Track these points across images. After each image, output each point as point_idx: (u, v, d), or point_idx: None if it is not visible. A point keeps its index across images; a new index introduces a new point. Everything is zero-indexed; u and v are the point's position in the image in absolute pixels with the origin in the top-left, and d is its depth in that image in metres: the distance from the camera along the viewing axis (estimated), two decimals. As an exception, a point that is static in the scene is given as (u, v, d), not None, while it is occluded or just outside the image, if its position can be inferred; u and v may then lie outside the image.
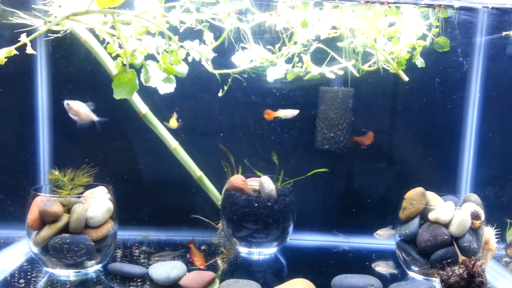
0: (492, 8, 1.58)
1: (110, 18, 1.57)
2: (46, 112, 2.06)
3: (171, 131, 1.97)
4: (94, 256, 1.64)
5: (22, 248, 1.88)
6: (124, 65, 1.52)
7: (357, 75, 1.80)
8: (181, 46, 1.66)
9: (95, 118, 1.72)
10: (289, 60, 1.78)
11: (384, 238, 1.93)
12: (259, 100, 2.09)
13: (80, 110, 1.68)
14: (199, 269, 1.71)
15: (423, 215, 1.73)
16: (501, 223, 1.90)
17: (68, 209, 1.63)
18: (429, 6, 1.59)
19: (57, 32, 1.70)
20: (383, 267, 1.80)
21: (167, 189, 2.12)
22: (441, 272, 1.54)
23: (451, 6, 1.54)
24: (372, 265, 1.82)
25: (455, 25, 1.76)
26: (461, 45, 2.01)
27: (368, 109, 2.10)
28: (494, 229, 1.77)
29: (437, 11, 1.62)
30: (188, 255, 1.83)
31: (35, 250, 1.63)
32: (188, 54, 1.71)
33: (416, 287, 1.58)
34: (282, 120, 2.12)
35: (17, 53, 1.51)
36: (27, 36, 1.50)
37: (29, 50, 1.55)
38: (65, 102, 1.69)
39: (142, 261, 1.81)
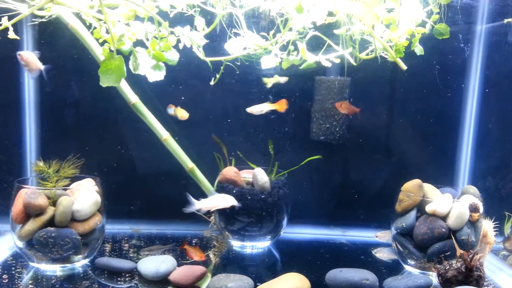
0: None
1: (97, 2, 1.51)
2: (32, 100, 2.00)
3: (162, 121, 1.91)
4: (81, 250, 1.59)
5: (6, 243, 1.83)
6: (111, 51, 1.45)
7: (354, 63, 1.75)
8: (172, 32, 1.60)
9: (41, 66, 1.69)
10: (284, 48, 1.73)
11: (383, 241, 1.91)
12: (253, 89, 2.04)
13: (29, 59, 1.67)
14: (192, 263, 1.67)
15: (420, 207, 1.70)
16: (499, 216, 1.87)
17: (53, 201, 1.58)
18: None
19: (43, 17, 1.63)
20: (383, 254, 1.78)
21: (157, 181, 2.07)
22: (438, 266, 1.52)
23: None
24: (373, 252, 1.79)
25: (458, 10, 1.71)
26: (462, 31, 1.97)
27: (365, 99, 2.05)
28: (493, 222, 1.74)
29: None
30: (178, 250, 1.80)
31: (20, 244, 1.58)
32: (179, 41, 1.65)
33: (412, 281, 1.55)
34: (277, 111, 2.07)
35: (-1, 37, 1.44)
36: (9, 20, 1.43)
37: (11, 35, 1.48)
38: (18, 52, 1.68)
39: (131, 255, 1.76)
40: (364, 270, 1.58)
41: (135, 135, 2.01)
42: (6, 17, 1.43)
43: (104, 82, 1.43)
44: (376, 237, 1.92)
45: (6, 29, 1.44)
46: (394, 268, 1.75)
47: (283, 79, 1.80)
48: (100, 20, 1.58)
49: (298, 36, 1.68)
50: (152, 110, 1.89)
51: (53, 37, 1.90)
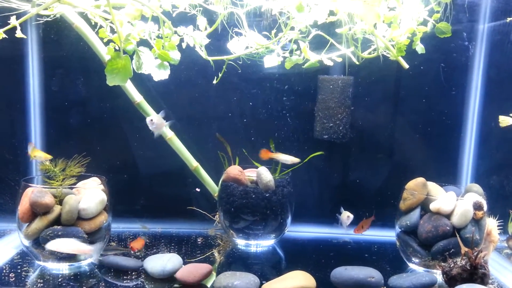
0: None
1: (103, 1, 1.52)
2: (37, 99, 2.01)
3: (166, 120, 1.92)
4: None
5: (12, 241, 1.84)
6: (117, 50, 1.47)
7: (357, 62, 1.76)
8: (175, 32, 1.61)
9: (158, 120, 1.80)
10: (287, 47, 1.74)
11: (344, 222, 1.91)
12: (257, 88, 2.05)
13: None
14: (198, 261, 1.67)
15: (424, 205, 1.70)
16: (503, 214, 1.87)
17: (60, 200, 1.59)
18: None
19: (47, 16, 1.64)
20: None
21: (162, 180, 2.08)
22: (443, 263, 1.52)
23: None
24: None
25: (465, 8, 1.70)
26: (465, 29, 1.97)
27: (368, 98, 2.06)
28: (497, 220, 1.74)
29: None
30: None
31: (26, 243, 1.59)
32: (182, 40, 1.66)
33: (417, 279, 1.55)
34: (281, 110, 2.08)
35: (6, 36, 1.46)
36: (16, 19, 1.45)
37: (18, 34, 1.50)
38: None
39: (137, 253, 1.77)
40: (369, 268, 1.59)
41: (140, 134, 2.03)
42: (15, 17, 1.45)
43: (111, 81, 1.44)
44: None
45: (12, 28, 1.45)
46: (398, 266, 1.75)
47: None
48: (106, 19, 1.59)
49: (300, 35, 1.68)
50: (156, 109, 1.90)
51: (59, 35, 1.92)
